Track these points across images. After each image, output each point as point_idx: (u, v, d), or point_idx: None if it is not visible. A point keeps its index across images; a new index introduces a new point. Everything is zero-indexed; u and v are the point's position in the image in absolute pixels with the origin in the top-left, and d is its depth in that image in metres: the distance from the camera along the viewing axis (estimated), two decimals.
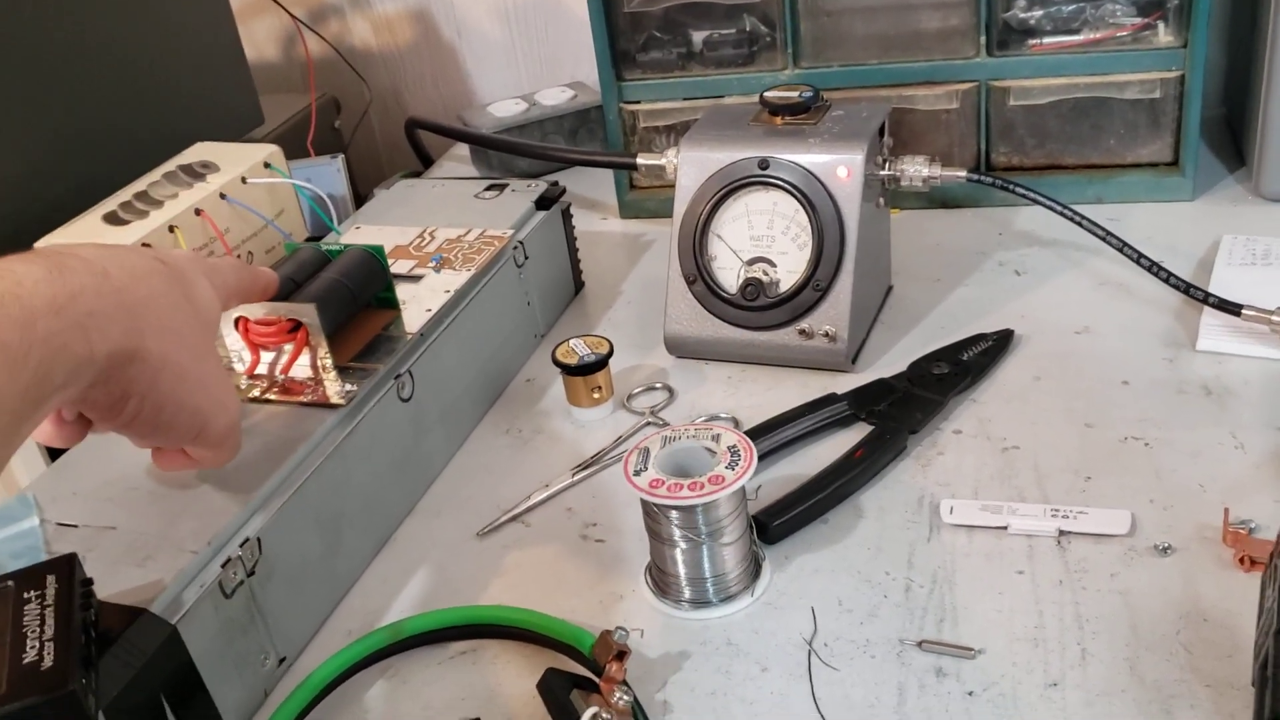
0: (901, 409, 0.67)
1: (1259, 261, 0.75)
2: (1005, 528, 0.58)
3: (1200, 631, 0.51)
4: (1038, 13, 0.84)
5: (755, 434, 0.66)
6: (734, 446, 0.56)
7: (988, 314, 0.77)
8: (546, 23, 1.20)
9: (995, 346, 0.72)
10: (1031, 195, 0.75)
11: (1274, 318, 0.64)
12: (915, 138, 0.90)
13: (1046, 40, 0.85)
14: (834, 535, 0.60)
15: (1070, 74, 0.85)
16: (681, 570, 0.56)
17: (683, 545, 0.56)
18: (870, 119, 0.74)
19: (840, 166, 0.71)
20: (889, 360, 0.74)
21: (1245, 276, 0.74)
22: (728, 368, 0.76)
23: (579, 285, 0.88)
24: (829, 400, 0.69)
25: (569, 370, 0.71)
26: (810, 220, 0.71)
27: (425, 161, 1.16)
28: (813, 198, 0.71)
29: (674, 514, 0.55)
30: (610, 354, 0.71)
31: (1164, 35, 0.82)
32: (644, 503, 0.56)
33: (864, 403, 0.68)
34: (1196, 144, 0.85)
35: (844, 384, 0.71)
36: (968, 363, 0.71)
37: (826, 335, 0.72)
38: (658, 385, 0.74)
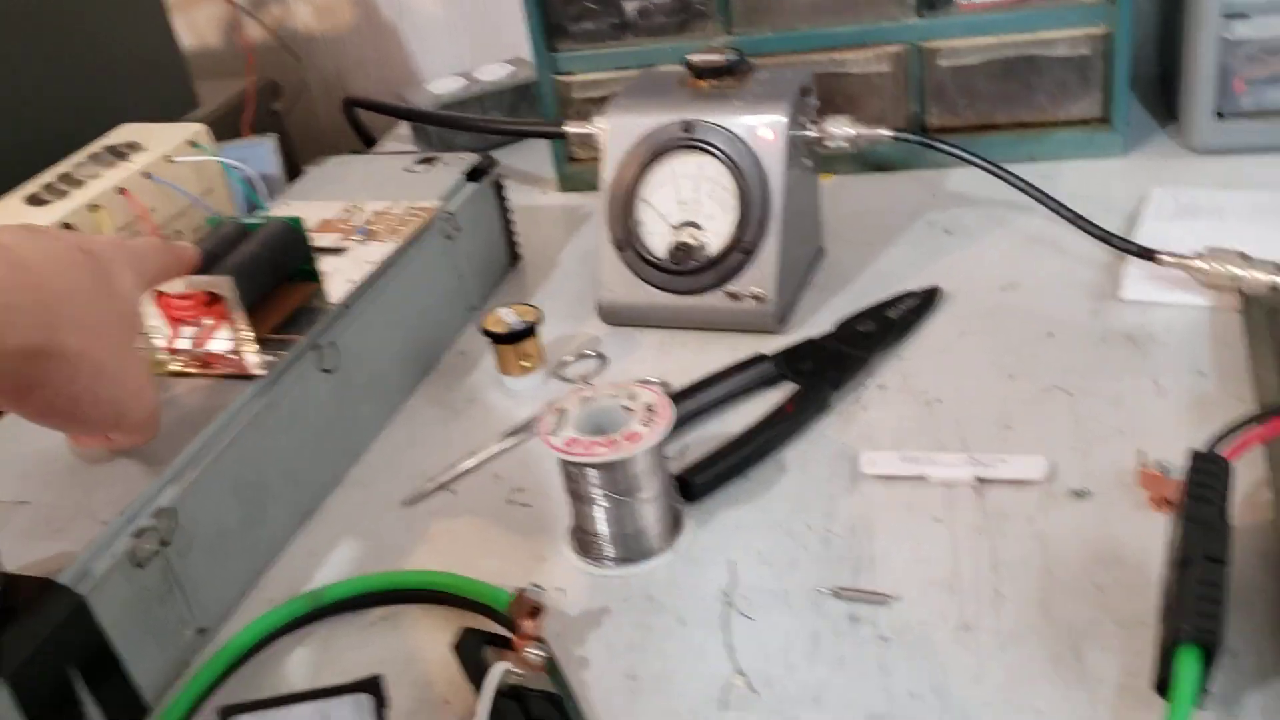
0: (828, 367, 0.68)
1: (1185, 214, 0.76)
2: (924, 477, 0.59)
3: (1114, 572, 0.52)
4: None
5: (683, 396, 0.66)
6: (651, 404, 0.56)
7: (917, 273, 0.77)
8: None
9: (922, 304, 0.72)
10: (955, 152, 0.75)
11: (1191, 263, 0.64)
12: (850, 102, 0.90)
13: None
14: (756, 491, 0.60)
15: (998, 33, 0.85)
16: (601, 528, 0.56)
17: (601, 503, 0.56)
18: (794, 80, 0.74)
19: (763, 127, 0.71)
20: (819, 321, 0.74)
21: (1172, 228, 0.74)
22: (660, 333, 0.75)
23: (515, 258, 0.87)
24: (756, 361, 0.69)
25: (497, 339, 0.71)
26: (735, 183, 0.71)
27: (368, 142, 1.15)
28: (737, 160, 0.71)
29: (590, 472, 0.55)
30: (539, 322, 0.71)
31: None
32: (562, 463, 0.56)
33: (791, 362, 0.68)
34: (1126, 99, 0.85)
35: (774, 345, 0.71)
36: (894, 320, 0.71)
37: (754, 297, 0.72)
38: (590, 353, 0.74)
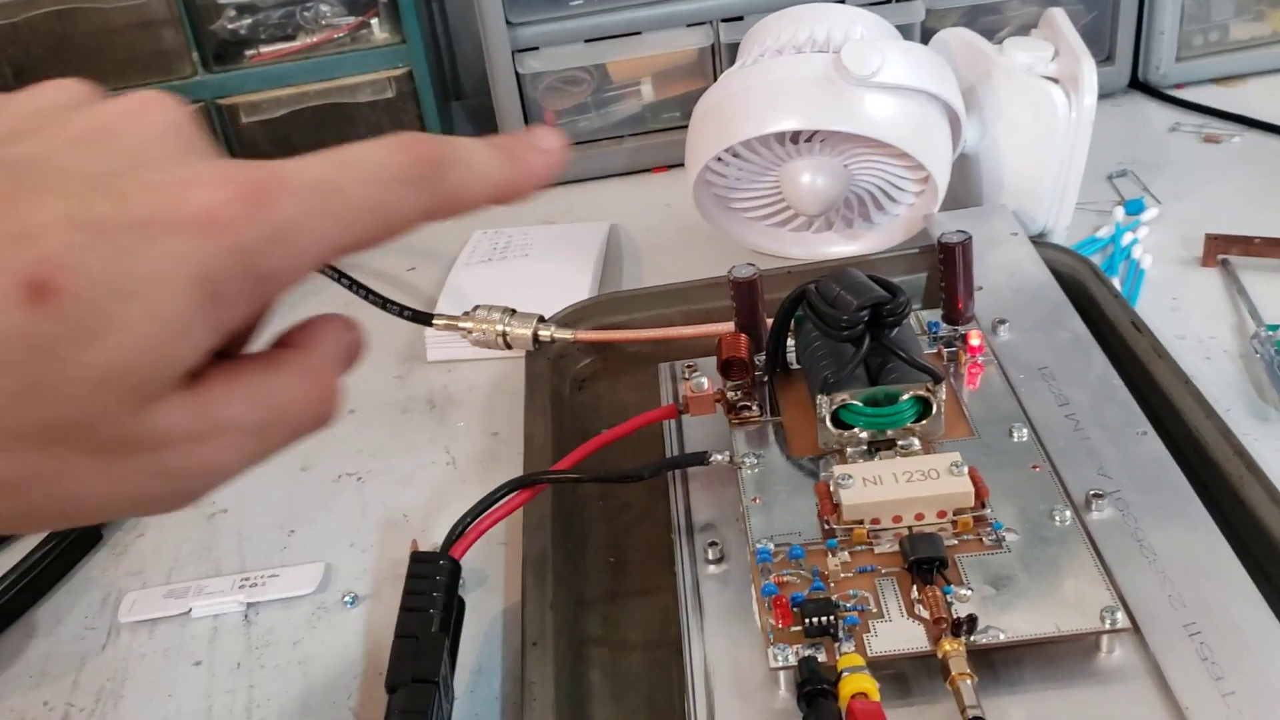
0: None
1: (496, 256, 0.74)
2: (189, 613, 0.52)
3: (372, 689, 0.47)
4: (247, 21, 0.78)
5: None
6: None
7: None
8: None
9: None
10: None
11: (462, 324, 0.62)
12: None
13: (265, 50, 0.79)
14: None
15: (297, 83, 0.79)
16: None
17: None
18: None
19: None
20: None
21: (480, 274, 0.72)
22: None
23: None
24: None
25: None
26: None
27: None
28: None
29: None
30: None
31: (380, 33, 0.79)
32: None
33: None
34: None
35: None
36: None
37: None
38: None
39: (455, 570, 0.45)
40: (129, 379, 0.24)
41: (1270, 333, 0.58)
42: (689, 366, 0.55)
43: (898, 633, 0.39)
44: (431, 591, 0.43)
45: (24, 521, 0.25)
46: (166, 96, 0.27)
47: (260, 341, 0.29)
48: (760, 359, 0.52)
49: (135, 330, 0.23)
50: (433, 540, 0.53)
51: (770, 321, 0.51)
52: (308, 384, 0.29)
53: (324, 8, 0.78)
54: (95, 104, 0.27)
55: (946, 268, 0.51)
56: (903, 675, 0.39)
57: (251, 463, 0.27)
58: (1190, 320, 0.62)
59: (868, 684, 0.37)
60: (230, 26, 0.78)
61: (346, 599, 0.51)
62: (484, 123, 0.93)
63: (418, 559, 0.44)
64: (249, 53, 0.79)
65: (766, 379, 0.51)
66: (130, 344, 0.23)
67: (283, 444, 0.28)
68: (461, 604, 0.45)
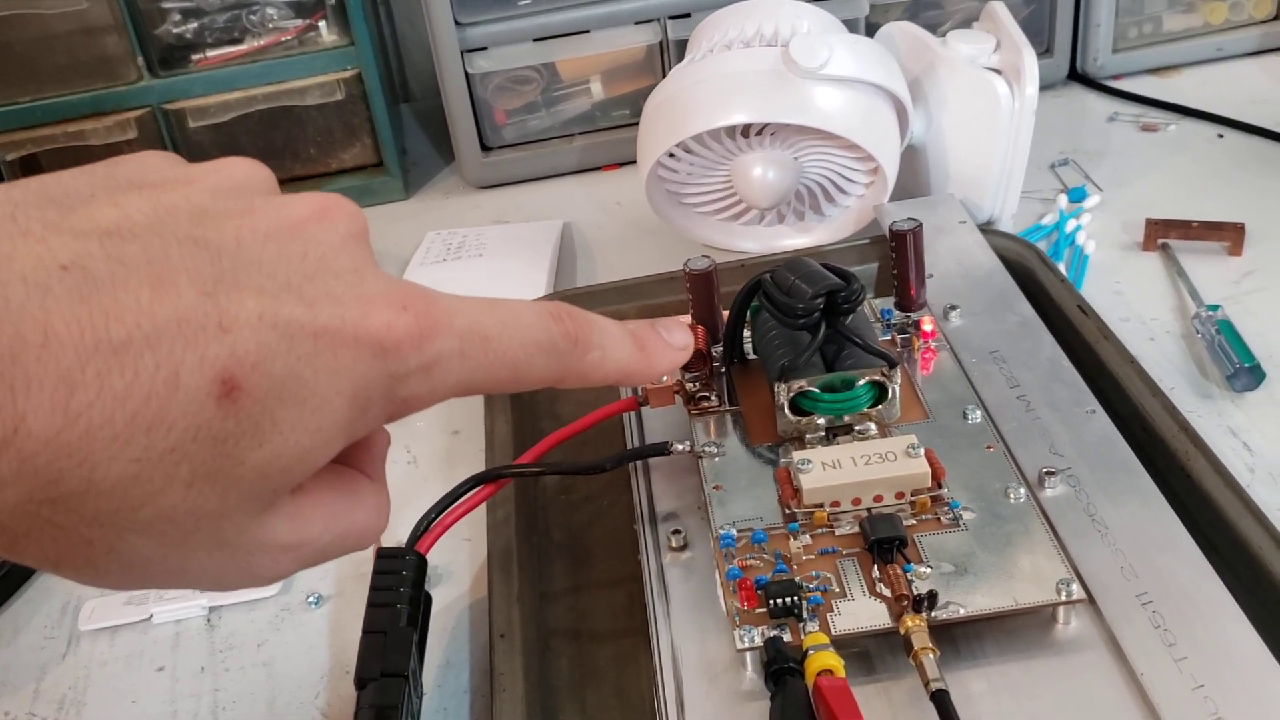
0: None
1: (451, 256, 0.74)
2: (150, 618, 0.51)
3: (340, 687, 0.47)
4: (193, 25, 0.77)
5: None
6: None
7: None
8: None
9: None
10: None
11: None
12: None
13: (211, 54, 0.78)
14: None
15: (244, 86, 0.79)
16: None
17: None
18: None
19: None
20: None
21: (435, 275, 0.72)
22: None
23: None
24: None
25: None
26: None
27: None
28: None
29: None
30: None
31: (329, 35, 0.79)
32: None
33: None
34: (392, 141, 0.83)
35: None
36: None
37: None
38: None
39: (421, 565, 0.45)
40: (270, 483, 0.25)
41: (1210, 313, 0.59)
42: None
43: (860, 611, 0.40)
44: (398, 587, 0.43)
45: (129, 584, 0.25)
46: (348, 202, 0.28)
47: None
48: (717, 350, 0.52)
49: (291, 437, 0.24)
50: (397, 538, 0.53)
51: (726, 313, 0.52)
52: (374, 517, 0.29)
53: (270, 10, 0.77)
54: (278, 196, 0.27)
55: (898, 255, 0.51)
56: (867, 652, 0.40)
57: (301, 570, 0.28)
58: (1134, 303, 0.63)
59: (833, 661, 0.38)
60: (175, 31, 0.77)
61: (310, 599, 0.51)
62: (434, 124, 0.94)
63: (383, 555, 0.44)
64: (195, 57, 0.78)
65: (724, 369, 0.52)
66: (285, 450, 0.24)
67: (330, 560, 0.29)
68: (428, 599, 0.45)
